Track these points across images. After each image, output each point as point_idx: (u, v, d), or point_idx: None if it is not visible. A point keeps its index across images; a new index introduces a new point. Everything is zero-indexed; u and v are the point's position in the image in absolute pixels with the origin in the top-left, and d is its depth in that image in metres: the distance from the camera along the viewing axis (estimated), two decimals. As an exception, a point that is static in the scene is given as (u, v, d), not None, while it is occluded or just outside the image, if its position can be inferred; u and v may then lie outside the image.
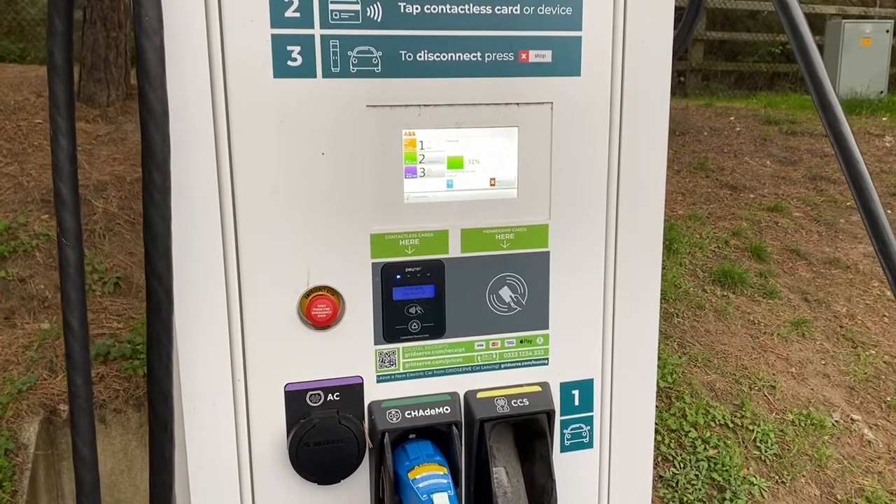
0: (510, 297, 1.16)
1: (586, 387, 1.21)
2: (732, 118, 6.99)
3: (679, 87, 10.86)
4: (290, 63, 1.01)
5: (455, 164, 1.12)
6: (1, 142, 3.95)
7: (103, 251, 3.41)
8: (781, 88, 11.09)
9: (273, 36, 1.00)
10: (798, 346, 3.62)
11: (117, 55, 4.45)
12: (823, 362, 3.54)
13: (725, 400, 3.23)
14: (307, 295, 1.08)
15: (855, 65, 8.60)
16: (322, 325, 1.08)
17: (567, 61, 1.11)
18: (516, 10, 1.07)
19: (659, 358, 3.20)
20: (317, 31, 1.01)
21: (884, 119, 7.24)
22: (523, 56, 1.09)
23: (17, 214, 3.48)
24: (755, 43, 11.78)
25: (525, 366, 1.17)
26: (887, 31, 8.66)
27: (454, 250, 1.13)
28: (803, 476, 3.07)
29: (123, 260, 3.38)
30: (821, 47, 9.56)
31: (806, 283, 4.19)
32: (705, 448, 3.07)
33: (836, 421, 3.30)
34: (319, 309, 1.07)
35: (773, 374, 3.40)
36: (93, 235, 3.49)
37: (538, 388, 1.17)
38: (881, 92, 8.54)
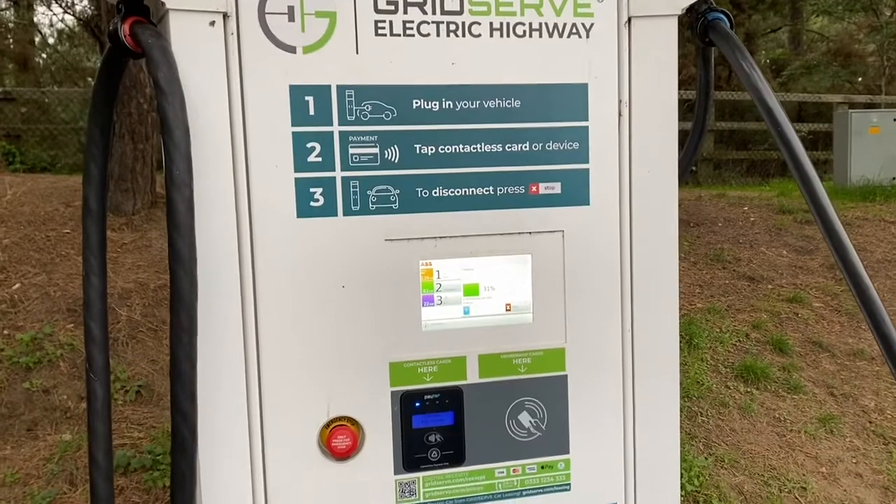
0: (529, 421, 1.17)
1: (609, 513, 1.20)
2: (746, 208, 7.04)
3: (692, 176, 10.99)
4: (312, 203, 1.07)
5: (471, 291, 1.15)
6: (30, 252, 4.06)
7: (126, 359, 3.45)
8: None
9: (297, 179, 1.06)
10: (827, 443, 3.53)
11: (143, 165, 4.62)
12: (855, 461, 3.44)
13: (755, 503, 3.13)
14: (327, 426, 1.09)
15: (865, 152, 8.70)
16: (342, 456, 1.09)
17: (576, 192, 1.16)
18: (526, 147, 1.13)
19: (685, 460, 3.13)
20: (338, 174, 1.07)
21: (898, 205, 7.26)
22: (534, 189, 1.14)
23: (44, 325, 3.54)
24: (765, 131, 11.97)
25: (547, 492, 1.17)
26: (894, 120, 8.79)
27: (472, 376, 1.15)
28: (842, 584, 2.94)
29: (146, 368, 3.41)
30: (830, 136, 9.68)
31: (830, 376, 4.12)
32: (738, 555, 2.95)
33: (873, 523, 3.18)
34: (339, 440, 1.09)
35: (804, 475, 3.30)
36: (116, 343, 3.53)
37: (560, 516, 1.16)
38: (894, 178, 8.59)
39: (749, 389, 3.86)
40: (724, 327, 4.47)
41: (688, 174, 1.39)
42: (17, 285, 3.76)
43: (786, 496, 3.16)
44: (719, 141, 11.89)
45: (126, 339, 3.55)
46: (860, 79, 14.91)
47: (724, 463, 3.26)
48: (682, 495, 3.10)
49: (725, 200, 7.49)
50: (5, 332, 3.47)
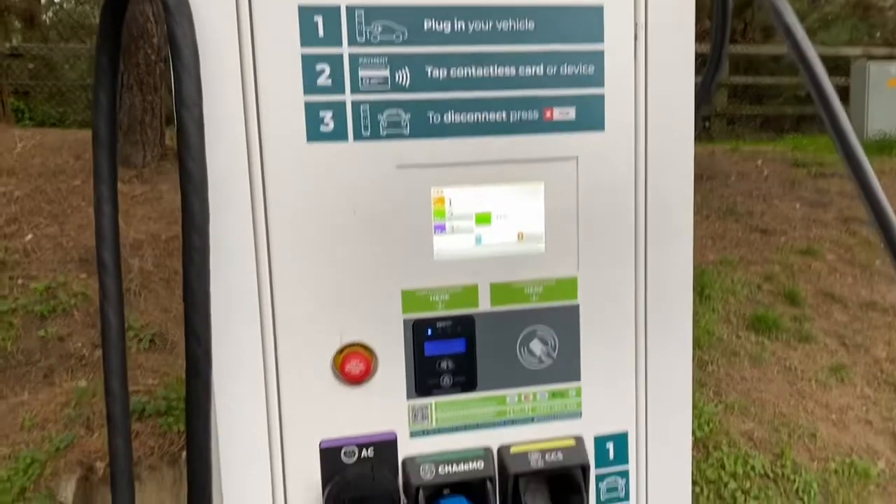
0: (541, 350, 1.16)
1: (620, 440, 1.20)
2: (760, 162, 6.97)
3: (704, 131, 10.87)
4: (322, 128, 1.05)
5: (483, 219, 1.14)
6: (42, 203, 4.08)
7: (139, 308, 3.48)
8: (808, 130, 11.05)
9: (306, 103, 1.04)
10: (837, 391, 3.54)
11: (153, 117, 4.60)
12: (865, 408, 3.46)
13: (765, 449, 3.16)
14: (340, 351, 1.09)
15: (883, 106, 8.56)
16: (355, 381, 1.09)
17: (591, 117, 1.14)
18: (540, 70, 1.11)
19: (695, 407, 3.15)
20: (348, 97, 1.05)
21: (915, 159, 7.16)
22: (548, 114, 1.12)
23: (57, 274, 3.57)
24: (779, 86, 11.80)
25: (558, 419, 1.17)
26: (914, 71, 8.63)
27: (484, 304, 1.15)
28: (850, 528, 2.97)
29: (159, 317, 3.44)
30: (847, 89, 9.52)
31: (843, 326, 4.11)
32: (745, 499, 2.99)
33: (882, 469, 3.20)
34: (353, 365, 1.09)
35: (813, 422, 3.32)
36: (128, 293, 3.56)
37: (572, 442, 1.16)
38: (911, 131, 8.46)
39: (760, 339, 3.86)
40: (736, 279, 4.47)
41: (706, 100, 1.36)
42: (30, 236, 3.78)
43: (795, 442, 3.18)
44: (733, 95, 11.73)
45: (139, 289, 3.59)
46: (878, 34, 14.61)
47: (734, 410, 3.28)
48: (692, 441, 3.12)
49: (739, 154, 7.42)
50: (20, 281, 3.50)
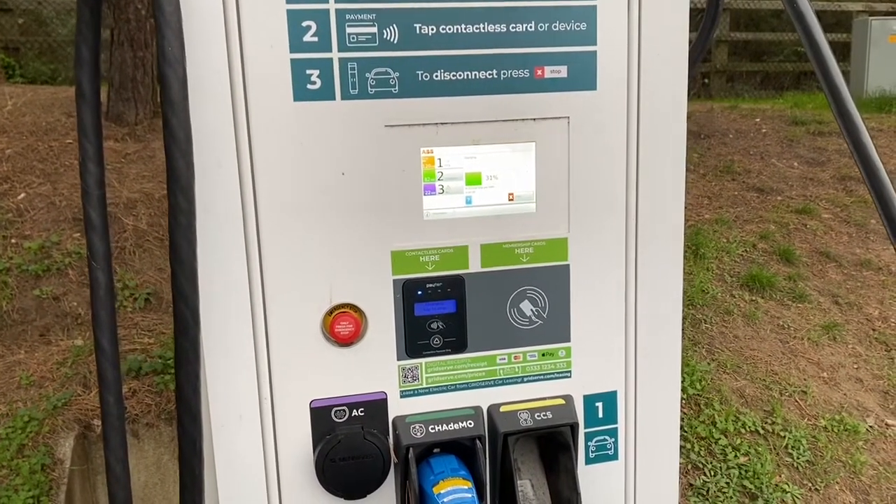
0: (531, 310, 1.16)
1: (610, 399, 1.21)
2: (758, 119, 6.92)
3: (703, 89, 10.77)
4: (309, 86, 1.03)
5: (473, 180, 1.13)
6: (34, 162, 4.04)
7: (134, 268, 3.47)
8: (808, 87, 10.95)
9: (292, 60, 1.02)
10: (829, 350, 3.57)
11: (144, 74, 4.54)
12: (856, 366, 3.49)
13: (756, 406, 3.19)
14: (330, 312, 1.09)
15: (883, 62, 8.47)
16: (345, 341, 1.10)
17: (582, 76, 1.12)
18: (531, 27, 1.08)
19: (687, 365, 3.17)
20: (335, 55, 1.03)
21: (914, 117, 7.11)
22: (539, 72, 1.11)
23: (51, 233, 3.55)
24: (780, 42, 11.65)
25: (547, 379, 1.18)
26: (916, 28, 8.52)
27: (474, 265, 1.14)
28: (837, 483, 3.02)
29: (153, 276, 3.44)
30: (848, 45, 9.41)
31: (836, 285, 4.13)
32: (736, 455, 3.03)
33: (871, 426, 3.25)
34: (342, 326, 1.09)
35: (805, 380, 3.35)
36: (123, 252, 3.55)
37: (561, 401, 1.17)
38: (911, 89, 8.39)
39: (754, 298, 3.88)
40: (732, 238, 4.46)
41: (700, 59, 1.34)
42: (23, 195, 3.76)
43: (786, 399, 3.22)
44: (733, 53, 11.58)
45: (133, 248, 3.57)
46: (882, -13, 14.37)
47: (727, 368, 3.31)
48: (683, 398, 3.16)
49: (737, 112, 7.35)
50: (13, 240, 3.49)
